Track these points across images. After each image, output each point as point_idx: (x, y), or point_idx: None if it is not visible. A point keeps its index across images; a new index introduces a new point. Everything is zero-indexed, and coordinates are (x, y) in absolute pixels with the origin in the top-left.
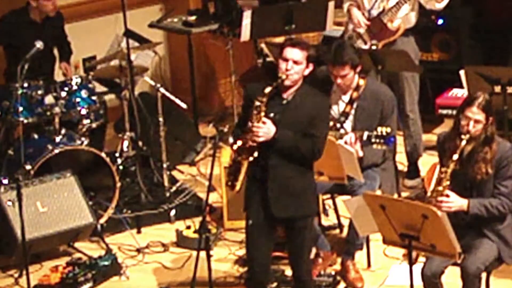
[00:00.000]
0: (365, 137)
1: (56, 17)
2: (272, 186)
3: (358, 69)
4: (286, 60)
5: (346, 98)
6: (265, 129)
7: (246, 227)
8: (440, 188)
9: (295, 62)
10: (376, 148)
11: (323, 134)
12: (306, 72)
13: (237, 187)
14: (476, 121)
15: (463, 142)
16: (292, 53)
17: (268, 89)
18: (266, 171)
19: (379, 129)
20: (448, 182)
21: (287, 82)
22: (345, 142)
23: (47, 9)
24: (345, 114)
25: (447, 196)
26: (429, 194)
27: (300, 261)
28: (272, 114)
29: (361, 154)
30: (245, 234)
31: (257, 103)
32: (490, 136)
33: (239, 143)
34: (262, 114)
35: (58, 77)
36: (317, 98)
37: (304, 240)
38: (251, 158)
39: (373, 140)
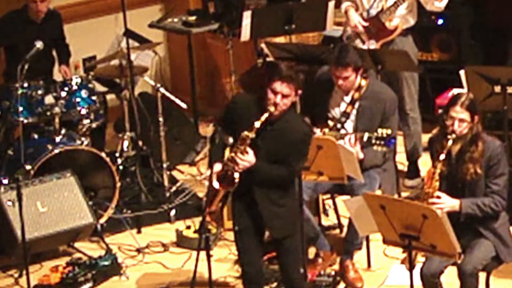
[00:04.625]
0: (365, 139)
1: (54, 17)
2: (264, 212)
3: (360, 72)
4: (275, 92)
5: (347, 98)
6: (247, 159)
7: (234, 234)
8: (431, 189)
9: (284, 96)
10: (376, 150)
11: (299, 165)
12: (294, 99)
13: (212, 208)
14: (461, 120)
15: (450, 142)
16: (282, 88)
17: (258, 124)
18: (253, 198)
19: (379, 130)
20: (437, 183)
21: (275, 113)
22: (345, 143)
23: (32, 11)
24: (346, 114)
25: (438, 197)
26: (420, 196)
27: (288, 263)
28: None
29: (361, 156)
30: (234, 240)
31: (245, 135)
32: (476, 135)
33: (220, 170)
34: (247, 146)
35: (58, 78)
36: (299, 127)
37: (290, 245)
38: (231, 189)
39: (373, 141)
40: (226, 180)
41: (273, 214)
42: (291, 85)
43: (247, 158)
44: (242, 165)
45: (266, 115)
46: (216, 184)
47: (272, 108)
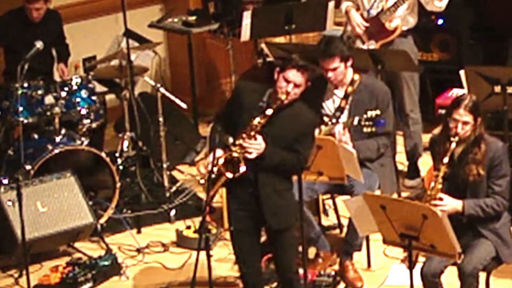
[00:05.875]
0: (355, 122)
1: (53, 18)
2: (265, 201)
3: (349, 62)
4: (288, 81)
5: (341, 93)
6: (257, 146)
7: (230, 234)
8: (433, 192)
9: (296, 86)
10: (369, 142)
11: (307, 151)
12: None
13: (212, 193)
14: (464, 123)
15: (453, 145)
16: (295, 76)
17: (269, 111)
18: (255, 186)
19: (368, 112)
20: (440, 186)
21: (285, 102)
22: (334, 135)
23: (31, 15)
24: (340, 109)
25: (441, 199)
26: (421, 196)
27: (284, 260)
28: None
29: (350, 145)
30: (231, 241)
31: (255, 122)
32: (479, 137)
33: (225, 155)
34: (257, 132)
35: (58, 78)
36: (306, 115)
37: (286, 241)
38: (237, 174)
39: (362, 123)
40: (231, 166)
41: (274, 204)
42: (305, 74)
43: (257, 143)
44: (252, 150)
45: (278, 102)
46: (221, 161)
47: (283, 96)
